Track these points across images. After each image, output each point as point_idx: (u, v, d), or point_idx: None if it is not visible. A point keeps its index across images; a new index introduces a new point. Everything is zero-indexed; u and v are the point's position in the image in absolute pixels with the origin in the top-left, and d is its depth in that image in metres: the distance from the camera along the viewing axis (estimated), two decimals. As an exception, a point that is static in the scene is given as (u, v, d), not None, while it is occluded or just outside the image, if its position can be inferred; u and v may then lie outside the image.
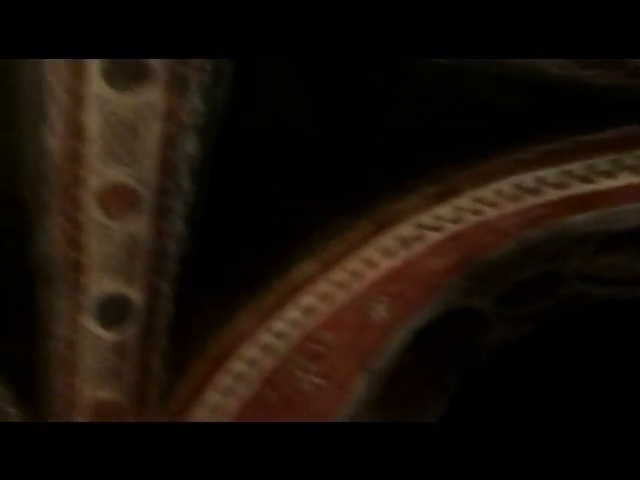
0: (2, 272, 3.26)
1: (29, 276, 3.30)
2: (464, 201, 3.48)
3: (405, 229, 3.52)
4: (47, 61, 2.87)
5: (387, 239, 3.54)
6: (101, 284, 3.34)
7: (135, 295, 3.39)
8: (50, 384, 3.42)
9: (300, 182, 3.33)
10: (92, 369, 3.44)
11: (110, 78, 2.89)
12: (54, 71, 2.89)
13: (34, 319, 3.36)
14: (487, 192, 3.46)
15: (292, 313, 3.62)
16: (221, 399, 3.66)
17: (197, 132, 3.01)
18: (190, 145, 3.04)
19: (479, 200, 3.47)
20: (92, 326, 3.40)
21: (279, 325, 3.64)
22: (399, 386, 3.73)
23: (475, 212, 3.50)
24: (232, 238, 3.38)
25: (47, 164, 3.09)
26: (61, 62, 2.86)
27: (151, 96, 2.90)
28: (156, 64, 2.83)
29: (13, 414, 3.35)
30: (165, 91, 2.89)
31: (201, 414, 3.63)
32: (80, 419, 3.45)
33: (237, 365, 3.66)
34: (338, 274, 3.58)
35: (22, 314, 3.35)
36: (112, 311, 3.39)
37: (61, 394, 3.43)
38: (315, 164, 3.27)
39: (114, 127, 3.00)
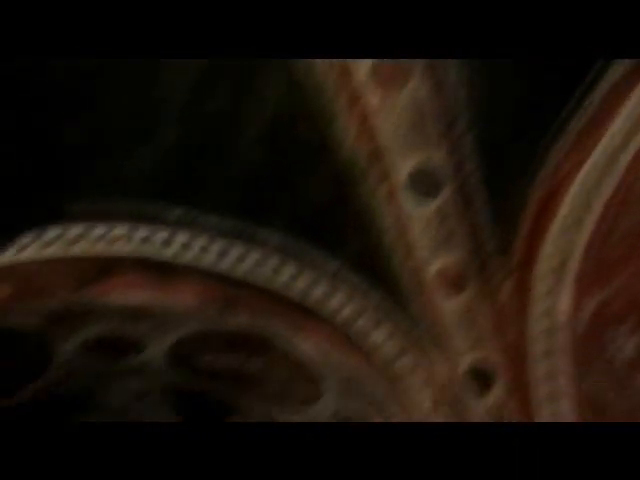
0: (315, 184, 3.49)
1: (340, 180, 3.51)
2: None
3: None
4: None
5: None
6: (405, 163, 3.45)
7: (439, 161, 3.46)
8: (392, 271, 3.57)
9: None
10: (425, 243, 3.55)
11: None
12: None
13: (358, 219, 3.55)
14: None
15: (618, 125, 3.39)
16: (559, 244, 3.63)
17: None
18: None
19: None
20: (412, 204, 3.52)
21: (605, 144, 3.44)
22: None
23: None
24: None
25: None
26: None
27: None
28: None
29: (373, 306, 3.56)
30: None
31: (543, 265, 3.62)
32: (419, 294, 3.57)
33: (565, 207, 3.59)
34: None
35: (346, 217, 3.54)
36: (425, 183, 3.49)
37: (407, 277, 3.57)
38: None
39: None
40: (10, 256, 3.34)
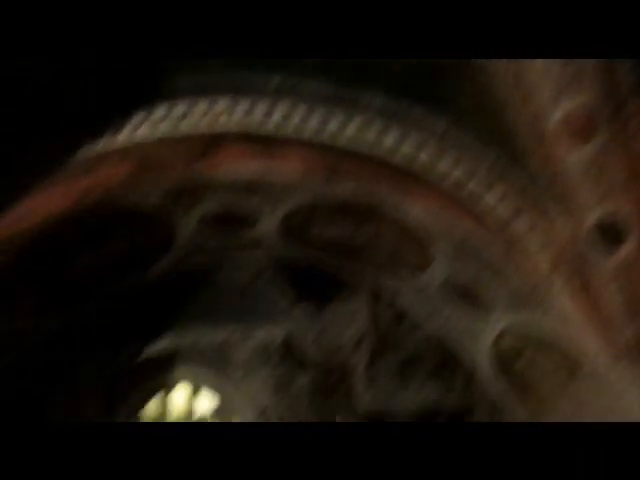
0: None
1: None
2: None
3: None
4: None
5: None
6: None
7: None
8: (506, 125, 3.29)
9: None
10: (547, 87, 3.20)
11: None
12: None
13: (466, 69, 3.28)
14: None
15: None
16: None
17: None
18: None
19: None
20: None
21: None
22: None
23: None
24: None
25: None
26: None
27: None
28: None
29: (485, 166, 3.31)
30: None
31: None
32: (538, 147, 3.26)
33: None
34: None
35: (451, 69, 3.28)
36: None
37: (524, 129, 3.28)
38: None
39: None
40: (126, 136, 3.38)
